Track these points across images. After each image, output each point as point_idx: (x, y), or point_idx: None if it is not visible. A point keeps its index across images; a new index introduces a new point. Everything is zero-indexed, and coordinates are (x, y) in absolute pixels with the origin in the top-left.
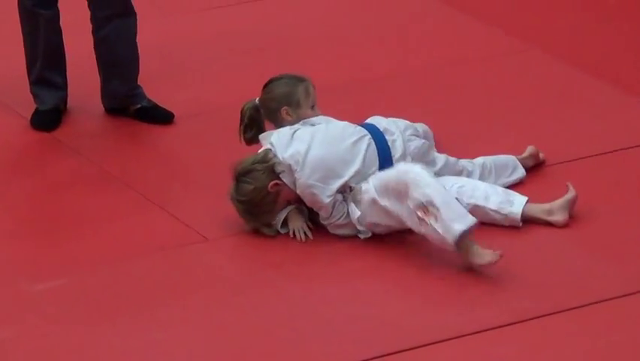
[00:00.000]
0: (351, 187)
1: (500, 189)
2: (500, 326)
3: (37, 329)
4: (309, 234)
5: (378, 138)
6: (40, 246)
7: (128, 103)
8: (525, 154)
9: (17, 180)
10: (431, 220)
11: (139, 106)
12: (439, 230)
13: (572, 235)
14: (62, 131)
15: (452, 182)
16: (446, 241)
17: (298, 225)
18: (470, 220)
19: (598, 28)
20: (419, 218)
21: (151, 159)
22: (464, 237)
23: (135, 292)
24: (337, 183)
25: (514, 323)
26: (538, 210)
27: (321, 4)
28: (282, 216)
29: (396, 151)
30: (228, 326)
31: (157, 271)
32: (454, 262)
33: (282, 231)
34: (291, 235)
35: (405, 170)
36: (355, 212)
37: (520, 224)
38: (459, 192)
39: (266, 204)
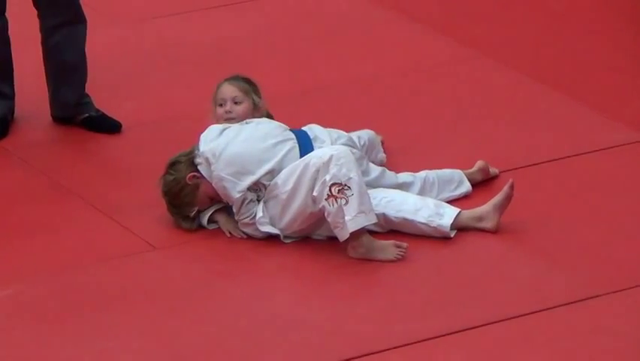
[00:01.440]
0: (265, 186)
1: (431, 202)
2: (448, 334)
3: None
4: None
5: (304, 143)
6: None
7: (76, 112)
8: (474, 168)
9: None
10: (341, 202)
11: (87, 115)
12: (344, 214)
13: (519, 243)
14: (10, 140)
15: (381, 195)
16: (345, 226)
17: (231, 226)
18: (372, 219)
19: (547, 36)
20: (330, 194)
21: (98, 169)
22: (362, 231)
23: (83, 302)
24: (248, 180)
25: (462, 331)
26: (469, 218)
27: (266, 15)
28: (207, 213)
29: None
30: (177, 334)
31: (105, 280)
32: (404, 271)
33: (210, 227)
34: (228, 235)
35: (336, 148)
36: (258, 212)
37: (452, 235)
38: (386, 206)
39: (184, 195)
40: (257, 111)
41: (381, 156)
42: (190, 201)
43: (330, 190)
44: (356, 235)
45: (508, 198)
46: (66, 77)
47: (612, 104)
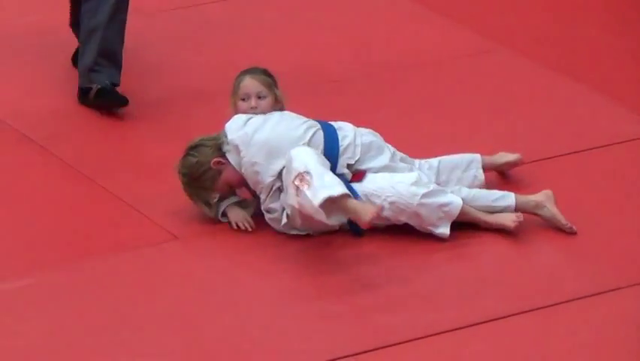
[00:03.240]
0: None
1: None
2: (469, 326)
3: (8, 327)
4: (252, 224)
5: (328, 130)
6: (11, 244)
7: (90, 79)
8: (496, 156)
9: None
10: (304, 188)
11: (98, 87)
12: (309, 195)
13: (542, 235)
14: (33, 130)
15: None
16: (314, 205)
17: (240, 217)
18: (339, 190)
19: (568, 28)
20: (296, 188)
21: (121, 158)
22: (331, 201)
23: (104, 291)
24: (279, 163)
25: (483, 323)
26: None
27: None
28: (222, 206)
29: (345, 141)
30: (198, 323)
31: (128, 270)
32: (423, 263)
33: (223, 220)
34: (234, 227)
35: (294, 148)
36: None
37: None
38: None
39: (205, 180)
40: (277, 104)
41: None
42: (209, 186)
43: (294, 184)
44: (325, 207)
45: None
46: (87, 40)
47: (635, 97)
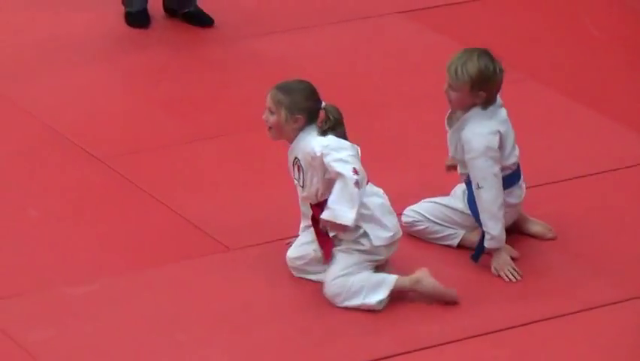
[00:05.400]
0: None
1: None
2: (493, 332)
3: (79, 328)
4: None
5: None
6: (80, 253)
7: (180, 5)
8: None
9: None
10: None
11: (186, 10)
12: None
13: (561, 249)
14: (87, 141)
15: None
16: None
17: (505, 264)
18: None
19: (586, 59)
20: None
21: (175, 170)
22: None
23: (162, 297)
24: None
25: (507, 329)
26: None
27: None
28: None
29: None
30: (249, 330)
31: (180, 280)
32: (447, 270)
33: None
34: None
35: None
36: None
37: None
38: None
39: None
40: (289, 125)
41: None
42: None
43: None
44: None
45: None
46: None
47: None
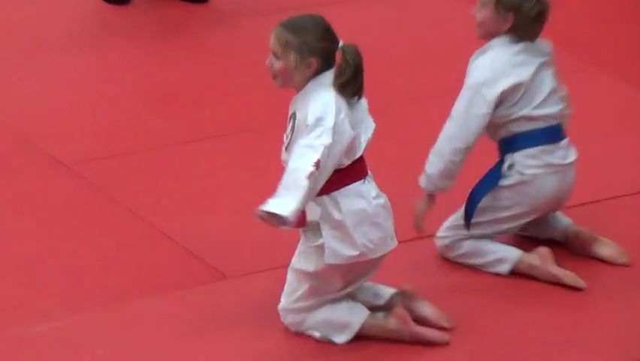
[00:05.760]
0: None
1: None
2: None
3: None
4: None
5: None
6: (61, 282)
7: None
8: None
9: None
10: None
11: None
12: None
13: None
14: (67, 154)
15: None
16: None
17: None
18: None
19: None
20: None
21: (163, 187)
22: None
23: (154, 329)
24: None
25: None
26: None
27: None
28: None
29: None
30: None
31: (175, 311)
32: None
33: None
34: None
35: None
36: None
37: None
38: None
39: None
40: (299, 71)
41: None
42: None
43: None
44: None
45: None
46: None
47: None
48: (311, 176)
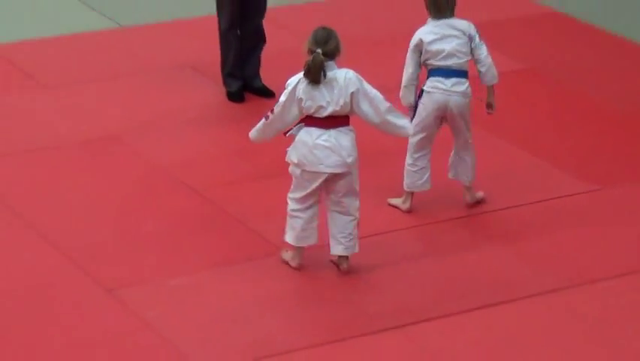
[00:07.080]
0: None
1: None
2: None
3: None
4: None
5: None
6: (145, 255)
7: (252, 83)
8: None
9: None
10: None
11: (257, 86)
12: None
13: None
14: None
15: None
16: None
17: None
18: None
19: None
20: None
21: (231, 173)
22: None
23: (220, 294)
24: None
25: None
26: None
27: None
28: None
29: None
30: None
31: (238, 279)
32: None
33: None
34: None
35: None
36: None
37: None
38: None
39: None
40: None
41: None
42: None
43: None
44: None
45: None
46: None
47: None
48: (267, 118)
